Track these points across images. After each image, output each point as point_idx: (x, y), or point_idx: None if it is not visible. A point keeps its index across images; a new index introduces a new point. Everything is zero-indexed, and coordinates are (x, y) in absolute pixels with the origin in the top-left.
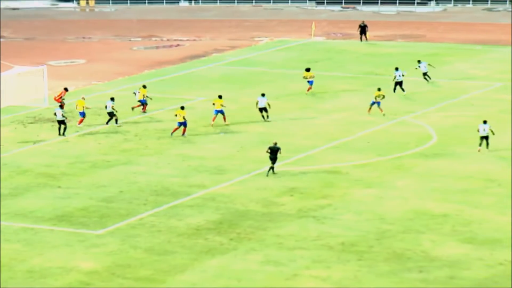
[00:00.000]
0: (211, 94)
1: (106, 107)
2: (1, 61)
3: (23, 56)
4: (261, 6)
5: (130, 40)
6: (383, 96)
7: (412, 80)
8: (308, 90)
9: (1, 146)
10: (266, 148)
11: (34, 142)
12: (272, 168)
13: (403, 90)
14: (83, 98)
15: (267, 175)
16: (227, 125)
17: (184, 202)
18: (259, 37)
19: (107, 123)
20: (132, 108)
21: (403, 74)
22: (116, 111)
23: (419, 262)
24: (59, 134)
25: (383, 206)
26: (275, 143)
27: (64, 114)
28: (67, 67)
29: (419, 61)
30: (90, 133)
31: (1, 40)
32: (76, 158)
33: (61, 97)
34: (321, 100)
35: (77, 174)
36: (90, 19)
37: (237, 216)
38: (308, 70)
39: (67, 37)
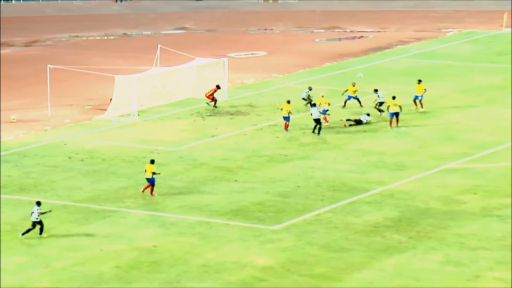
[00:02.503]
0: (392, 88)
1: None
2: (183, 53)
3: (204, 48)
4: None
5: (312, 32)
6: None
7: None
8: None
9: (179, 139)
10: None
11: (212, 135)
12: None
13: None
14: (288, 102)
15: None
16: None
17: (362, 199)
18: (446, 28)
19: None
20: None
21: None
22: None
23: None
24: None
25: None
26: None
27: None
28: (248, 59)
29: None
30: (268, 126)
31: (183, 31)
32: (253, 151)
33: (212, 94)
34: (509, 94)
35: (254, 168)
36: (273, 10)
37: (416, 214)
38: (420, 82)
39: (248, 29)
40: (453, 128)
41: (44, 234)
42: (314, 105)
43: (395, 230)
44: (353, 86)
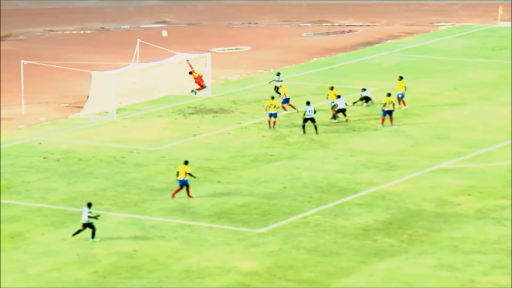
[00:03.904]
0: (383, 84)
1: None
2: (163, 48)
3: (186, 43)
4: None
5: (299, 26)
6: None
7: None
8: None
9: (160, 138)
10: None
11: (194, 134)
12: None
13: None
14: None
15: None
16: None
17: (351, 200)
18: (439, 22)
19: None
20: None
21: None
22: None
23: None
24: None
25: None
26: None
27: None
28: (232, 55)
29: None
30: (253, 124)
31: (164, 25)
32: (237, 151)
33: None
34: (504, 91)
35: (238, 168)
36: (258, 3)
37: (408, 216)
38: (401, 78)
39: (232, 23)
40: (446, 127)
41: (96, 239)
42: (308, 103)
43: (386, 233)
44: (331, 89)
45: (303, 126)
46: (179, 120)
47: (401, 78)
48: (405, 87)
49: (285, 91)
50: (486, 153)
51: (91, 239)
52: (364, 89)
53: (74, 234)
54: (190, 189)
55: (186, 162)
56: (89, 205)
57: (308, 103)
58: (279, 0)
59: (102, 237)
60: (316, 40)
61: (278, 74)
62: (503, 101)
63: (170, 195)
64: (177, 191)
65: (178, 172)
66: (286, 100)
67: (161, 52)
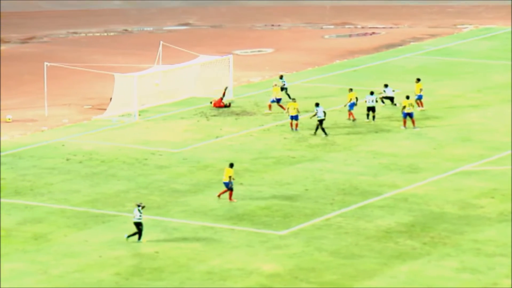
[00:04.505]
0: (406, 86)
1: (366, 101)
2: (186, 50)
3: (208, 45)
4: None
5: (321, 28)
6: None
7: None
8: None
9: (182, 140)
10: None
11: (217, 136)
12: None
13: None
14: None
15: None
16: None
17: (373, 203)
18: (462, 24)
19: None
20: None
21: None
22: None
23: None
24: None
25: None
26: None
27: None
28: (254, 57)
29: None
30: (275, 127)
31: (187, 27)
32: (260, 153)
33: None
34: None
35: (260, 170)
36: (280, 5)
37: (431, 218)
38: (418, 80)
39: (255, 25)
40: (469, 129)
41: (143, 240)
42: (317, 104)
43: (409, 236)
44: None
45: (316, 128)
46: (202, 122)
47: (418, 80)
48: (421, 89)
49: (277, 91)
50: (509, 156)
51: (138, 241)
52: (386, 85)
53: (132, 236)
54: (232, 193)
55: (231, 165)
56: (141, 206)
57: (317, 104)
58: (302, 1)
59: (125, 239)
60: (339, 42)
61: (281, 77)
62: None
63: (217, 194)
64: (223, 192)
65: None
66: (278, 100)
67: (184, 54)
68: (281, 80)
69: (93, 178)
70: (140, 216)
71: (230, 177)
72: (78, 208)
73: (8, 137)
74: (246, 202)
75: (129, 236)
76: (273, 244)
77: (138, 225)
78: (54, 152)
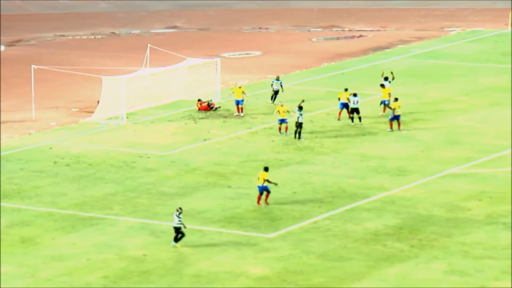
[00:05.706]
0: (393, 89)
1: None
2: (173, 53)
3: (196, 48)
4: None
5: (309, 31)
6: None
7: None
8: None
9: (171, 143)
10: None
11: (205, 139)
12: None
13: None
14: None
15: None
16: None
17: (361, 205)
18: (449, 27)
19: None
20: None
21: None
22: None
23: None
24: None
25: None
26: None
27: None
28: (242, 60)
29: None
30: (263, 129)
31: (174, 30)
32: (248, 156)
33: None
34: None
35: (248, 173)
36: (268, 8)
37: (419, 221)
38: (383, 86)
39: (243, 28)
40: (457, 132)
41: (177, 244)
42: (301, 108)
43: (397, 238)
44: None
45: (295, 132)
46: (190, 125)
47: (382, 86)
48: (390, 93)
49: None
50: (497, 158)
51: (172, 243)
52: (386, 78)
53: (176, 241)
54: (269, 196)
55: (266, 169)
56: (178, 210)
57: (300, 108)
58: (290, 4)
59: (112, 242)
60: (327, 45)
61: (278, 79)
62: None
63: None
64: (259, 197)
65: (258, 178)
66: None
67: (171, 57)
68: (277, 81)
69: (80, 181)
70: (179, 221)
71: (266, 180)
72: (66, 211)
73: None
74: (234, 204)
75: (176, 241)
76: (261, 247)
77: (178, 229)
78: (42, 155)
